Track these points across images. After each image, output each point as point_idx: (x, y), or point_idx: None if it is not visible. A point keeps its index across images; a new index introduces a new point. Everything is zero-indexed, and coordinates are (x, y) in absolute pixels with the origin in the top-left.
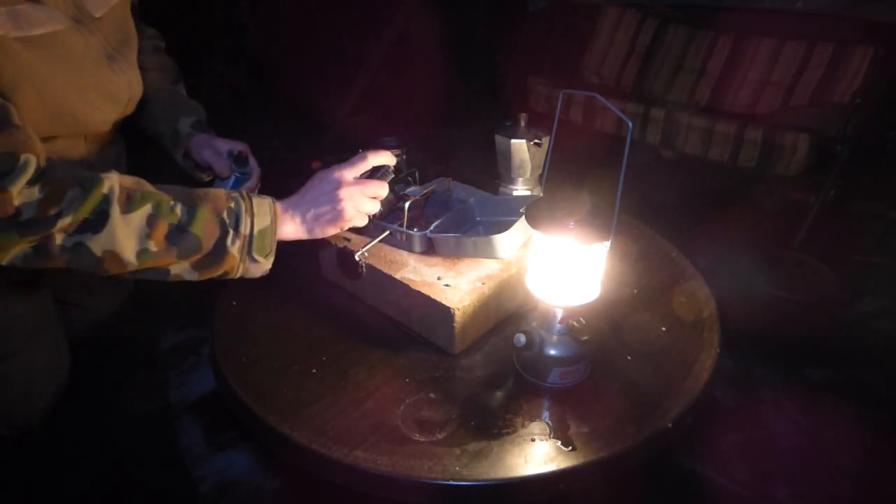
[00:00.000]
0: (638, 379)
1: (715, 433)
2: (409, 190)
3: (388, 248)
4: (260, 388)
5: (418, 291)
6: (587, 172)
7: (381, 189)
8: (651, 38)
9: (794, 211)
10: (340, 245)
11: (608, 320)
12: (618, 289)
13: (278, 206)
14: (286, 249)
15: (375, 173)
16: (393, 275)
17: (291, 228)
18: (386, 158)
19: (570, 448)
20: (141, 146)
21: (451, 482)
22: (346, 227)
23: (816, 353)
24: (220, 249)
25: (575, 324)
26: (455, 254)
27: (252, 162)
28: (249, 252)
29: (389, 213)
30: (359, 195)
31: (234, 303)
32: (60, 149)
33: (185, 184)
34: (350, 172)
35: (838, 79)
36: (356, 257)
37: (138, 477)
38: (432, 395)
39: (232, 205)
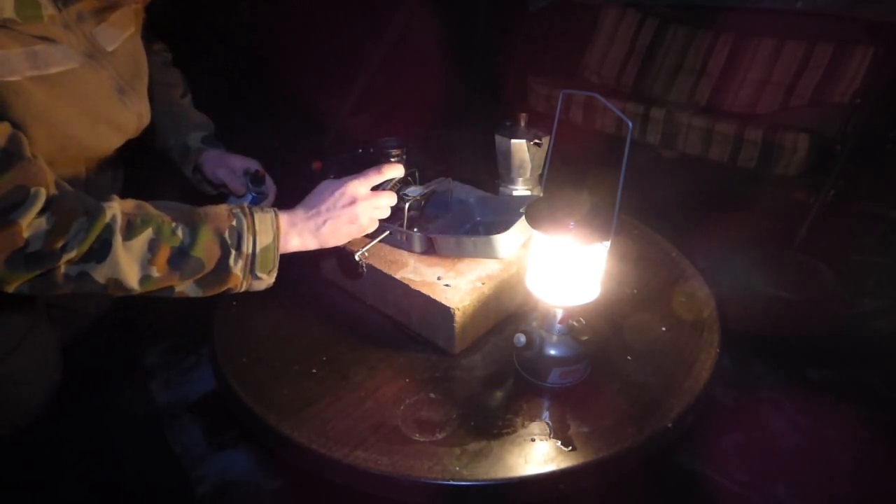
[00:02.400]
0: (638, 379)
1: (715, 433)
2: (409, 190)
3: (388, 248)
4: (260, 388)
5: (418, 291)
6: (587, 172)
7: (392, 199)
8: (651, 38)
9: (794, 211)
10: (340, 245)
11: (608, 320)
12: (618, 289)
13: (283, 220)
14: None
15: (384, 183)
16: (393, 275)
17: (298, 242)
18: (398, 171)
19: (570, 448)
20: (138, 160)
21: (451, 482)
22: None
23: (816, 353)
24: (222, 269)
25: (575, 324)
26: (455, 254)
27: (268, 181)
28: (252, 270)
29: (389, 213)
30: (372, 208)
31: (234, 303)
32: (59, 171)
33: (184, 198)
34: (363, 185)
35: (838, 79)
36: (356, 257)
37: (134, 476)
38: (432, 395)
39: (234, 223)
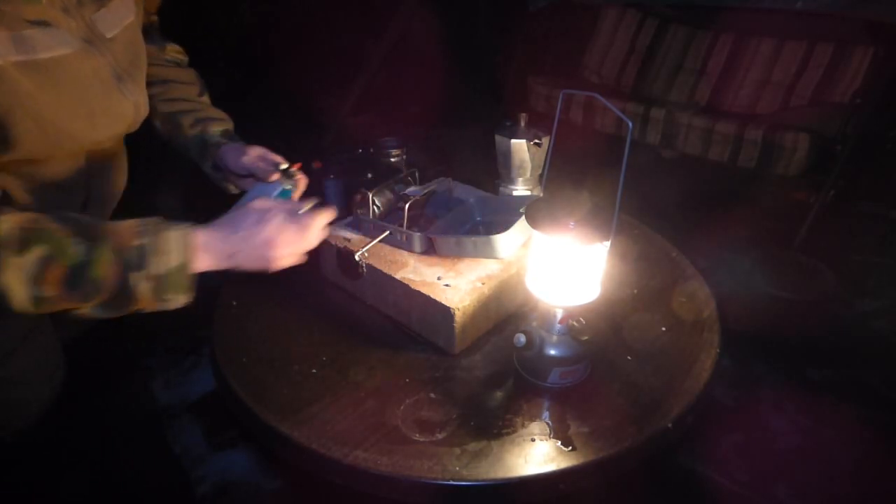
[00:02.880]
0: (638, 379)
1: (715, 433)
2: (409, 190)
3: (388, 248)
4: (260, 388)
5: (418, 291)
6: (587, 172)
7: (320, 236)
8: (651, 38)
9: (794, 211)
10: (340, 245)
11: (608, 320)
12: (618, 289)
13: (197, 238)
14: None
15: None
16: (393, 275)
17: (209, 263)
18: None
19: (570, 448)
20: (141, 159)
21: (451, 482)
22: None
23: (816, 353)
24: (125, 292)
25: (575, 324)
26: (455, 254)
27: (299, 176)
28: (161, 293)
29: (389, 213)
30: (292, 246)
31: (234, 303)
32: (59, 168)
33: (188, 197)
34: (290, 222)
35: (838, 79)
36: (356, 257)
37: (134, 476)
38: (432, 395)
39: (139, 242)
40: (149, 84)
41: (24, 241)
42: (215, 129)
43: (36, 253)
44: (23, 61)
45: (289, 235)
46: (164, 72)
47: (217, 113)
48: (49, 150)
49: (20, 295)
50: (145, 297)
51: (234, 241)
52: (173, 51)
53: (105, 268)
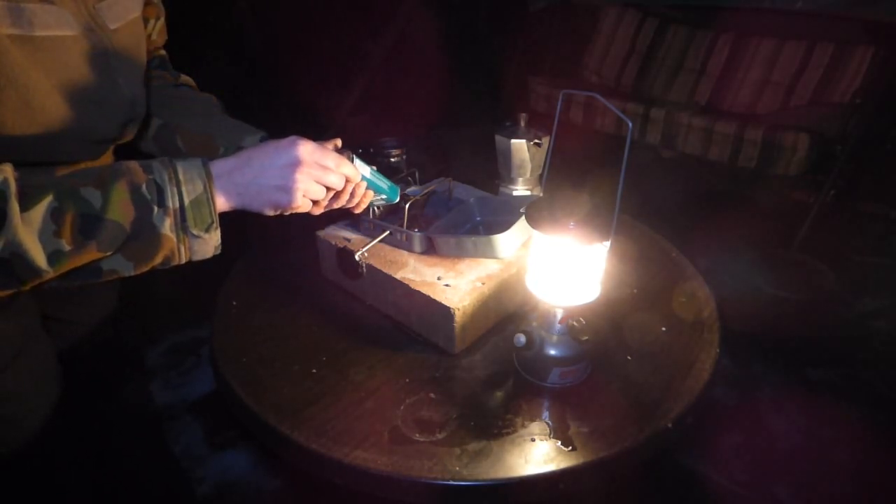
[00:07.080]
0: (638, 379)
1: (715, 433)
2: (409, 190)
3: (388, 248)
4: (260, 388)
5: (418, 291)
6: (587, 172)
7: (342, 175)
8: (651, 38)
9: (794, 211)
10: (340, 245)
11: (608, 320)
12: (618, 289)
13: (212, 166)
14: (285, 246)
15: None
16: (393, 275)
17: (224, 196)
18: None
19: (570, 448)
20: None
21: (451, 482)
22: (288, 213)
23: (816, 353)
24: (148, 231)
25: (575, 324)
26: (455, 254)
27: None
28: (185, 229)
29: (389, 213)
30: (313, 182)
31: (234, 303)
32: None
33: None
34: (318, 150)
35: (838, 79)
36: (356, 257)
37: (134, 477)
38: (432, 395)
39: (152, 175)
40: (170, 107)
41: (26, 196)
42: (252, 138)
43: (44, 204)
44: (17, 35)
45: (317, 156)
46: (185, 92)
47: (250, 127)
48: (36, 140)
49: (37, 251)
50: (169, 235)
51: (248, 166)
52: (186, 81)
53: (122, 207)
